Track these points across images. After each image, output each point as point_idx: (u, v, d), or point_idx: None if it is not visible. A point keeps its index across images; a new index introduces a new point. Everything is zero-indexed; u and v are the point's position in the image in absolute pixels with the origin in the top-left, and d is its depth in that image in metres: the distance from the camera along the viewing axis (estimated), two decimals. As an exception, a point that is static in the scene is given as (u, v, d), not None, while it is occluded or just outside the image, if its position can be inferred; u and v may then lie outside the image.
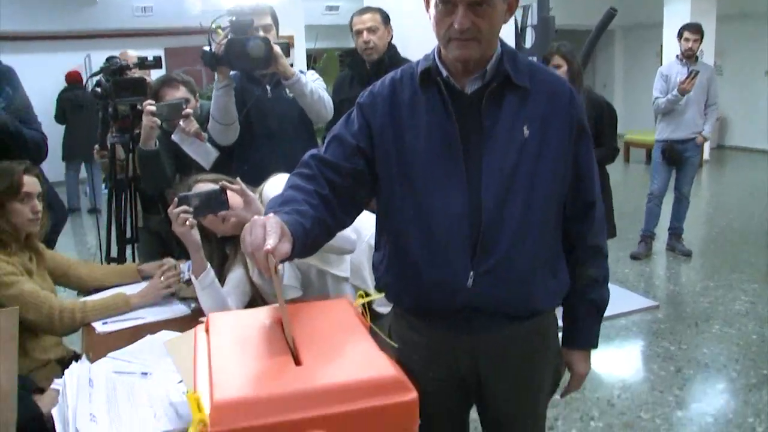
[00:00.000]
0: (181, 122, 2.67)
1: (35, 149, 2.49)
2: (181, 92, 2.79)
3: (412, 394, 0.96)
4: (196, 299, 1.99)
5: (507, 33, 3.79)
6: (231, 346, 1.08)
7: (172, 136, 2.71)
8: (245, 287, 2.02)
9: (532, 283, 1.36)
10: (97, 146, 3.38)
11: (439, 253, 1.32)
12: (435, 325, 1.40)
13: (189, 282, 2.11)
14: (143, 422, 1.36)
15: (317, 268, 1.99)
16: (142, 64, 3.07)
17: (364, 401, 0.94)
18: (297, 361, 1.02)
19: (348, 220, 1.41)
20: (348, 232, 1.82)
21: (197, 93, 2.95)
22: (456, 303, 1.34)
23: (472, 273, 1.31)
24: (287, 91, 2.67)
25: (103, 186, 5.32)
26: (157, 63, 3.09)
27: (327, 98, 2.69)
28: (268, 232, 1.07)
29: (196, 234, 1.91)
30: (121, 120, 2.93)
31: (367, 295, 1.28)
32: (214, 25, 2.57)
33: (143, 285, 2.25)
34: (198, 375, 1.04)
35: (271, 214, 1.14)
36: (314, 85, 2.66)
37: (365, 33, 3.09)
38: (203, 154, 2.71)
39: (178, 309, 2.17)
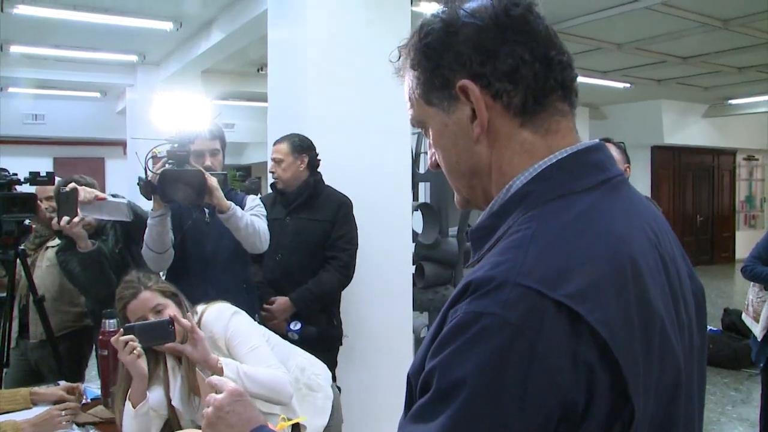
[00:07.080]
0: (80, 195, 2.48)
1: None
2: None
3: None
4: (94, 424, 1.91)
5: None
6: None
7: (79, 210, 2.51)
8: (163, 410, 1.96)
9: None
10: None
11: None
12: None
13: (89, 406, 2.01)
14: None
15: None
16: (34, 179, 3.00)
17: None
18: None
19: None
20: (288, 387, 1.86)
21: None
22: None
23: None
24: None
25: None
26: (50, 179, 3.04)
27: (263, 229, 2.61)
28: None
29: (143, 363, 1.88)
30: (5, 236, 2.80)
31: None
32: (157, 151, 2.44)
33: (36, 411, 2.06)
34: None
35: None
36: (252, 213, 2.61)
37: (272, 163, 3.14)
38: (115, 210, 2.58)
39: (77, 436, 2.03)
